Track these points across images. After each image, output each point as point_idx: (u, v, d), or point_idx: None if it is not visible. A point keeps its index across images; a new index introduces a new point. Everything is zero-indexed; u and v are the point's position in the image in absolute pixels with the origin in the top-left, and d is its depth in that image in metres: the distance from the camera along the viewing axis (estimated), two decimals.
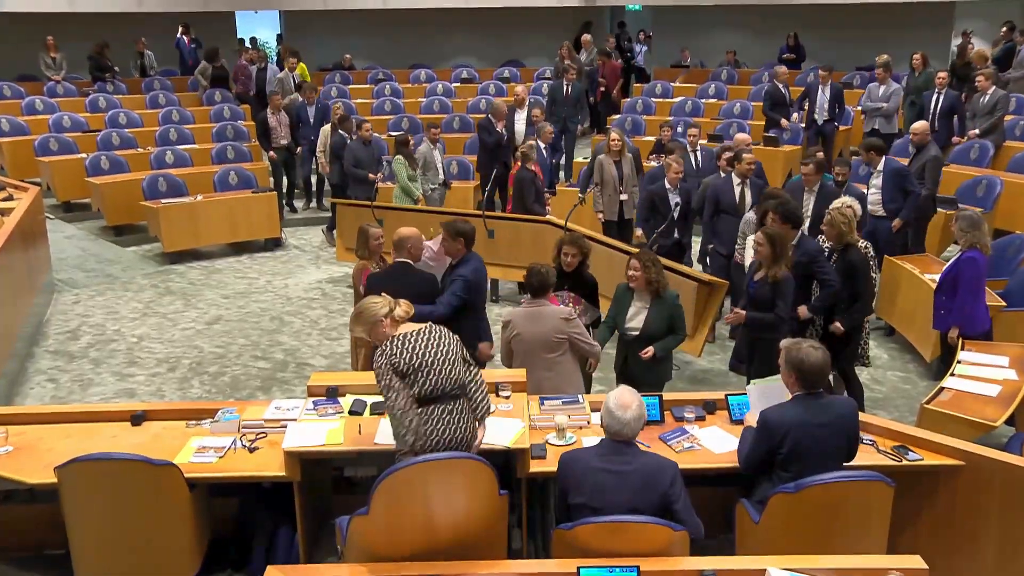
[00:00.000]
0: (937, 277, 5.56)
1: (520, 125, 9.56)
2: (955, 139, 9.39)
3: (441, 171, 8.79)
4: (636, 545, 3.14)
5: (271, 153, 10.18)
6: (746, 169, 6.52)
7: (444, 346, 3.53)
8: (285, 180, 10.48)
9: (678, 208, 6.79)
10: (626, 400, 3.24)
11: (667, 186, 6.80)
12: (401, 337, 3.49)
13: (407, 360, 3.44)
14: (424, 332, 3.53)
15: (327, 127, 9.59)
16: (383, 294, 3.64)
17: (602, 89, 13.32)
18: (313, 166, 10.45)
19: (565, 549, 3.23)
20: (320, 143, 9.65)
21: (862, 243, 5.45)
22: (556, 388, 4.44)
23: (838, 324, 5.08)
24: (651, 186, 7.03)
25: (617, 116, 12.21)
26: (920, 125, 7.64)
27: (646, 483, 3.20)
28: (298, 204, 10.83)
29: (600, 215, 7.64)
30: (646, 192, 7.05)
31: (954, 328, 5.22)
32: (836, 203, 5.45)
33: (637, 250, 5.24)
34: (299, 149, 10.26)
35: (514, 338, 4.52)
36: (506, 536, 3.51)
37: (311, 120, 10.29)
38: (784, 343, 3.65)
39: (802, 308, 5.08)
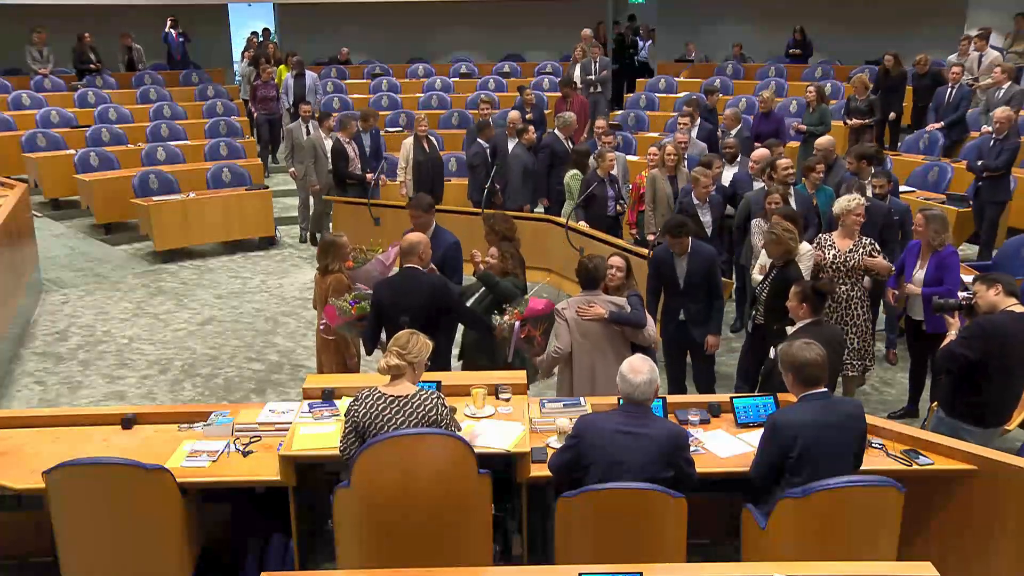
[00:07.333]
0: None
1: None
2: (930, 126, 9.43)
3: None
4: (636, 511, 3.33)
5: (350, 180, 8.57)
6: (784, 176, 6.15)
7: (414, 415, 3.42)
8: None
9: (711, 228, 6.24)
10: (637, 366, 3.48)
11: (695, 201, 6.27)
12: (373, 396, 3.45)
13: (362, 418, 3.43)
14: (402, 399, 3.43)
15: (408, 140, 8.63)
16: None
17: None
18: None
19: (567, 516, 3.35)
20: (402, 158, 8.55)
21: (866, 240, 5.21)
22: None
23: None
24: (683, 199, 6.48)
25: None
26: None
27: (664, 447, 3.40)
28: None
29: (651, 237, 6.82)
30: (678, 206, 6.44)
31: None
32: (842, 200, 5.30)
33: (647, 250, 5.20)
34: (370, 176, 8.58)
35: (569, 329, 4.55)
36: (491, 519, 3.50)
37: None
38: (780, 347, 3.64)
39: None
